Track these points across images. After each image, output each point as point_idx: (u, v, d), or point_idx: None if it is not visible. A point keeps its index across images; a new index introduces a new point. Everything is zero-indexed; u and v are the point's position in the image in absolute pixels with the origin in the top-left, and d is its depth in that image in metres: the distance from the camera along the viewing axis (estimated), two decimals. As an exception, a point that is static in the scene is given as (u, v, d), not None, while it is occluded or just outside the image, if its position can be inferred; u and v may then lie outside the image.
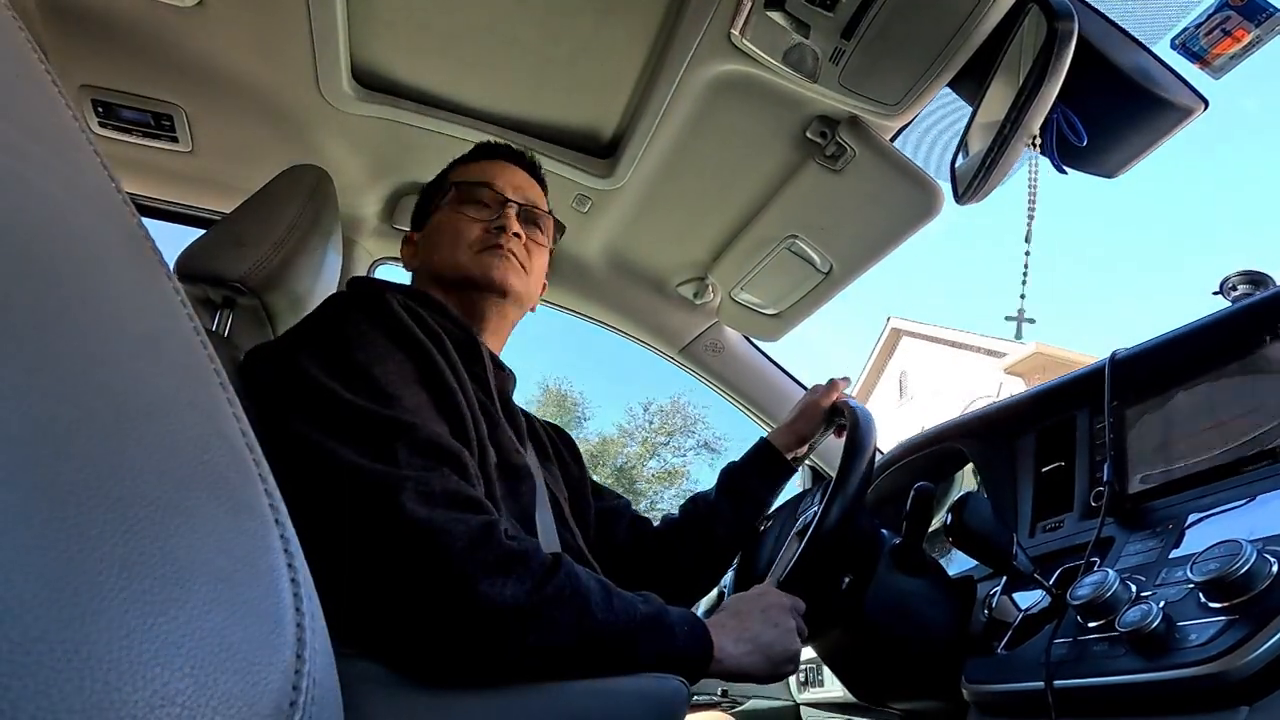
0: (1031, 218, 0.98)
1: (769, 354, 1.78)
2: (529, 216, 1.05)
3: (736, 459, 1.23)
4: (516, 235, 1.00)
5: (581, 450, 1.17)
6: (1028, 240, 0.98)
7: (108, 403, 0.24)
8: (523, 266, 1.01)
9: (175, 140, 1.36)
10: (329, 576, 0.72)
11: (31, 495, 0.21)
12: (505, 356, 1.04)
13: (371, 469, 0.69)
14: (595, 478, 1.18)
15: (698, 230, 1.53)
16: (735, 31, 1.08)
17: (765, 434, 1.24)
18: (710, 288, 1.66)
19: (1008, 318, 0.98)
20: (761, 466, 1.19)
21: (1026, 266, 0.98)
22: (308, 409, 0.73)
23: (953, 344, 11.95)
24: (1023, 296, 0.98)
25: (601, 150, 1.40)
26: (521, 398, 1.05)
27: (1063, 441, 1.04)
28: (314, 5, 1.09)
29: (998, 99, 1.04)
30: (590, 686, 0.74)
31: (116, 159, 1.38)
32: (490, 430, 0.85)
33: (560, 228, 1.14)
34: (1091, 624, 0.72)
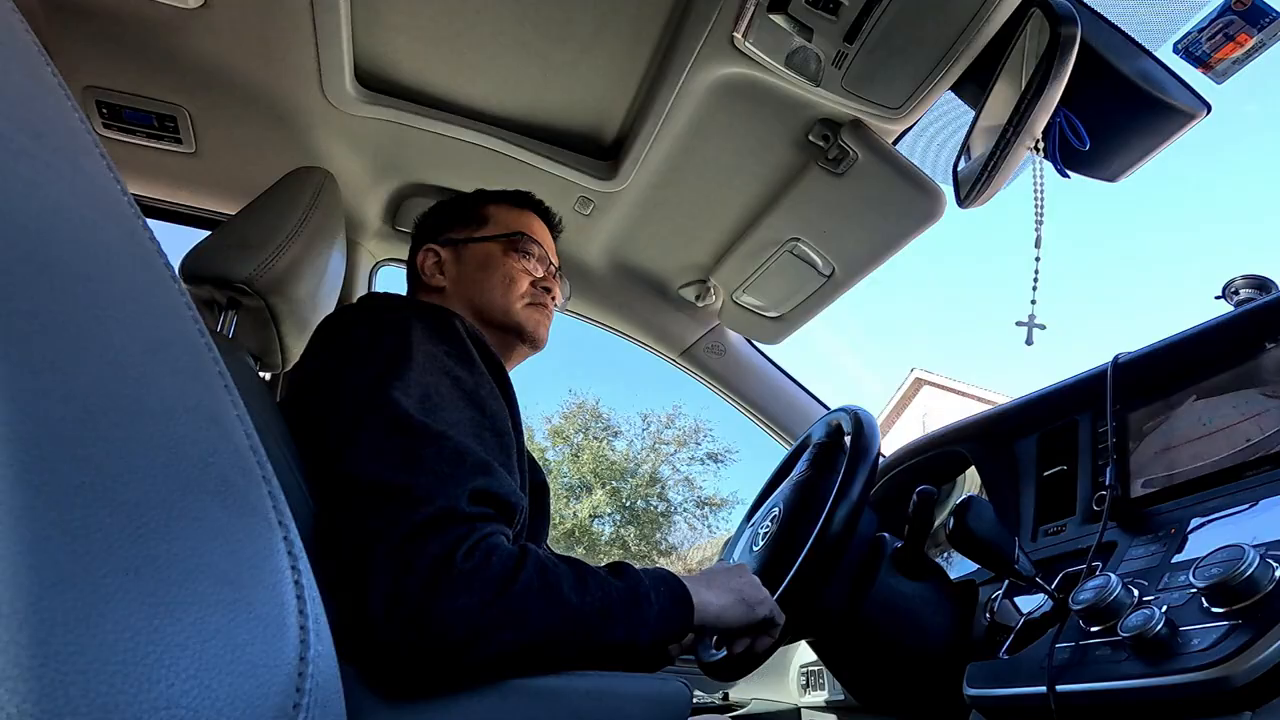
0: (1040, 223, 0.98)
1: (771, 357, 1.78)
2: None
3: None
4: (554, 299, 1.10)
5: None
6: (1037, 246, 0.98)
7: (113, 405, 0.24)
8: None
9: (179, 141, 1.36)
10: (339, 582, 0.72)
11: (39, 497, 0.21)
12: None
13: (392, 481, 0.69)
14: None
15: (700, 233, 1.54)
16: (738, 34, 1.08)
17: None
18: (712, 290, 1.66)
19: (1018, 323, 0.98)
20: None
21: (1037, 273, 0.97)
22: (373, 423, 0.74)
23: (968, 395, 13.21)
24: (1033, 302, 0.97)
25: (604, 153, 1.40)
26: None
27: (1065, 445, 1.04)
28: (318, 7, 1.09)
29: (1000, 103, 1.04)
30: (591, 689, 0.74)
31: (121, 160, 1.39)
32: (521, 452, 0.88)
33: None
34: (1094, 629, 0.72)
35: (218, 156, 1.40)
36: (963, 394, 13.45)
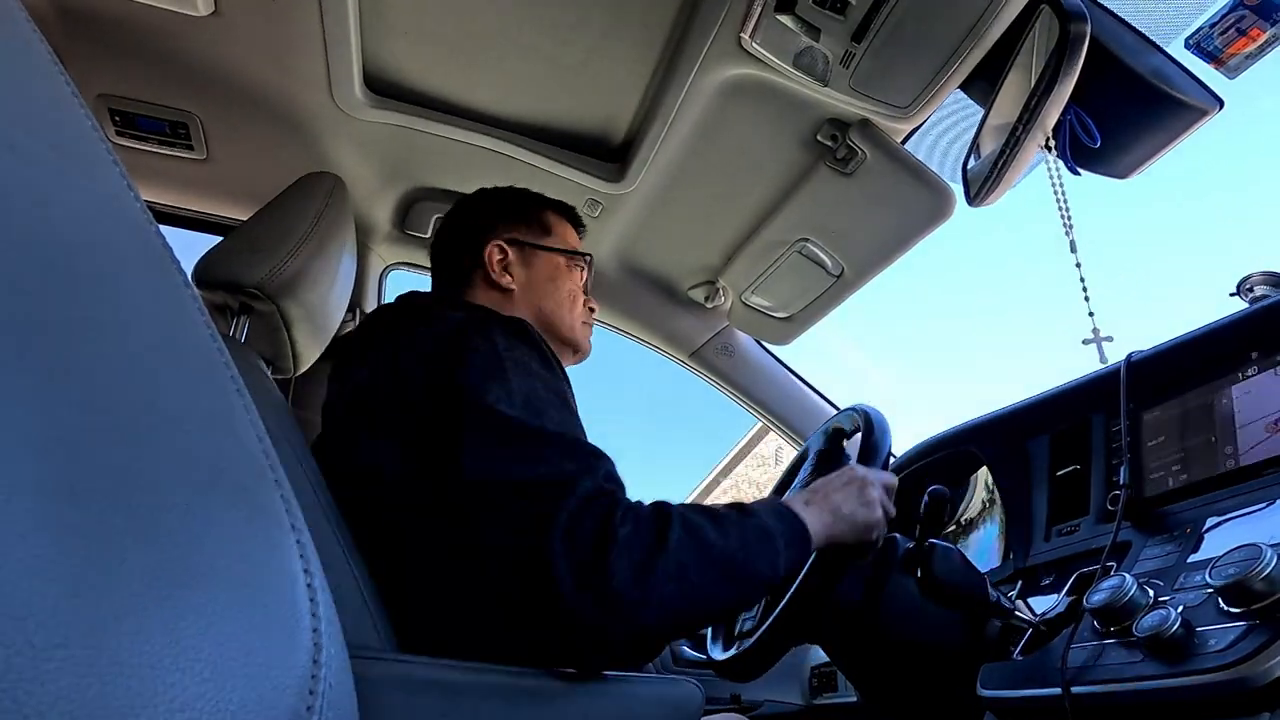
0: (1069, 227, 0.93)
1: (781, 358, 1.78)
2: None
3: None
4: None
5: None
6: (1074, 251, 0.93)
7: (127, 411, 0.24)
8: None
9: (190, 148, 1.37)
10: (430, 587, 0.77)
11: (53, 501, 0.21)
12: None
13: (536, 476, 0.73)
14: None
15: (708, 234, 1.53)
16: (745, 35, 1.08)
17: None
18: (721, 291, 1.65)
19: (1085, 341, 0.93)
20: None
21: (1083, 280, 0.92)
22: (484, 432, 0.77)
23: None
24: (1091, 314, 0.92)
25: (612, 155, 1.40)
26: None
27: (1077, 445, 1.03)
28: (327, 13, 1.10)
29: (1010, 101, 1.04)
30: (605, 688, 0.74)
31: (133, 167, 1.40)
32: None
33: None
34: (1109, 630, 0.71)
35: (229, 162, 1.41)
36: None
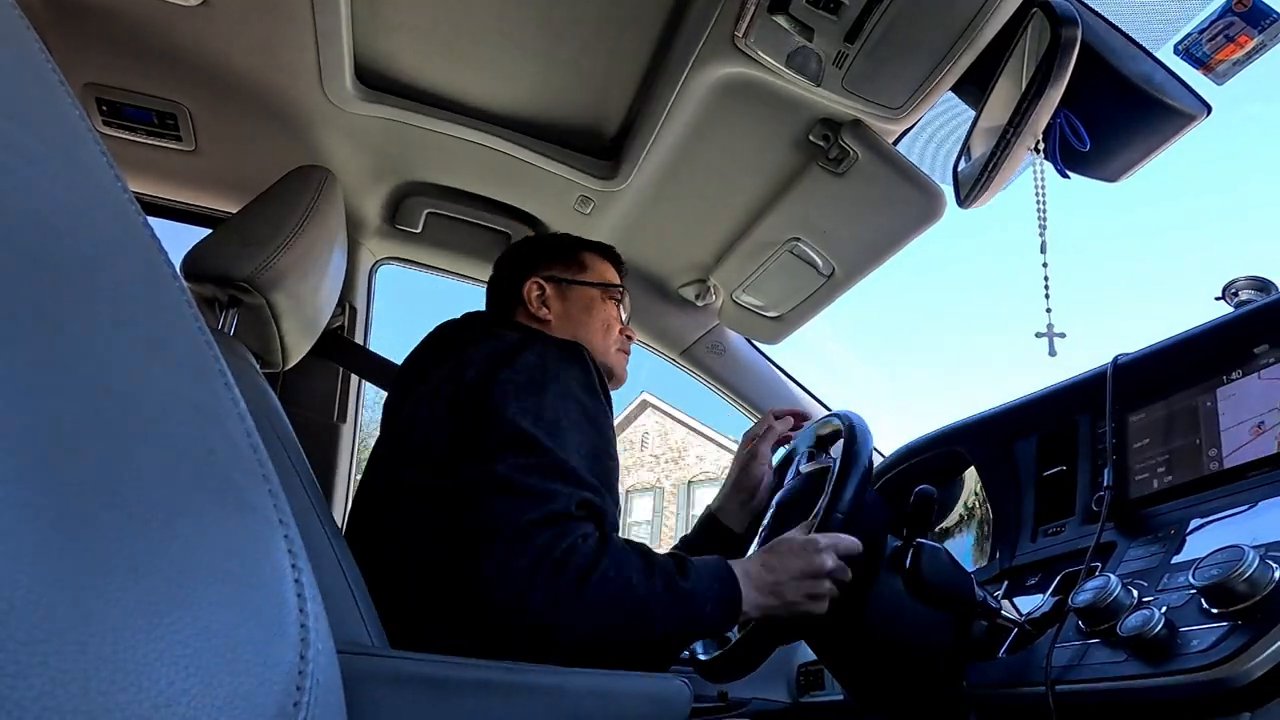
0: (1043, 227, 0.97)
1: (771, 357, 1.78)
2: None
3: (689, 532, 1.24)
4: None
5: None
6: (1043, 251, 0.97)
7: (114, 403, 0.24)
8: None
9: (179, 139, 1.36)
10: (413, 581, 0.84)
11: (38, 494, 0.21)
12: None
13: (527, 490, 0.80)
14: None
15: (700, 232, 1.53)
16: (739, 34, 1.08)
17: (710, 505, 1.25)
18: (712, 290, 1.65)
19: (1038, 334, 0.96)
20: (714, 545, 1.18)
21: (1047, 280, 0.96)
22: (502, 440, 0.84)
23: (686, 424, 15.32)
24: (1049, 310, 0.96)
25: (604, 152, 1.40)
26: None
27: (1065, 446, 1.04)
28: (318, 5, 1.09)
29: (1001, 103, 1.04)
30: (592, 687, 0.74)
31: (121, 158, 1.39)
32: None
33: None
34: (1093, 629, 0.72)
35: (218, 154, 1.40)
36: (682, 423, 15.29)
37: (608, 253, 1.24)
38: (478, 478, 0.82)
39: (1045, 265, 0.98)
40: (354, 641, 0.73)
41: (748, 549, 1.14)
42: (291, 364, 1.14)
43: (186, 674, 0.22)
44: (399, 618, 0.82)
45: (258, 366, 1.00)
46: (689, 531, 1.25)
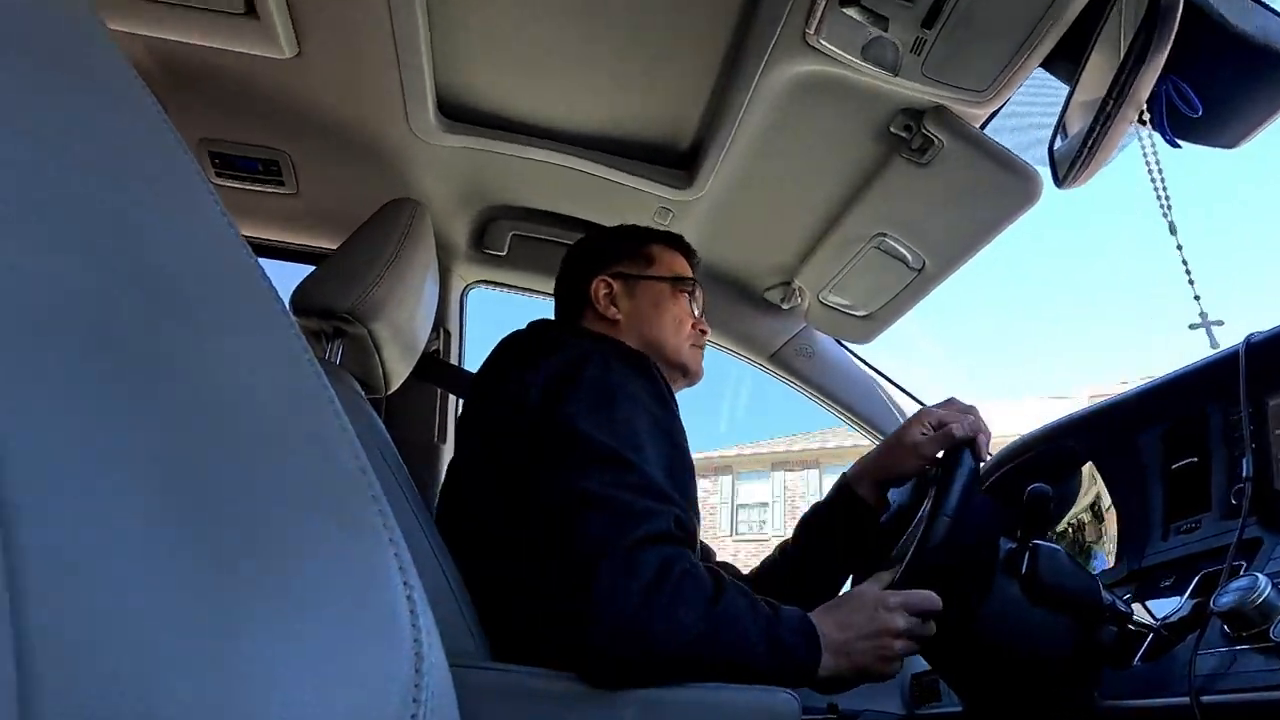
0: (1168, 206, 0.87)
1: (863, 356, 1.74)
2: None
3: (820, 499, 1.17)
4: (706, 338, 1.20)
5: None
6: (1173, 233, 0.87)
7: (237, 431, 0.26)
8: None
9: (282, 184, 1.45)
10: (516, 596, 0.83)
11: (171, 519, 0.22)
12: None
13: (609, 499, 0.78)
14: None
15: (781, 234, 1.51)
16: (810, 31, 1.06)
17: (846, 471, 1.16)
18: (797, 291, 1.63)
19: (1192, 326, 0.87)
20: (844, 515, 1.11)
21: (1186, 263, 0.86)
22: (580, 454, 0.82)
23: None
24: (1197, 298, 0.86)
25: (680, 161, 1.41)
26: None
27: (1193, 436, 0.96)
28: (401, 45, 1.14)
29: (1098, 75, 0.98)
30: (699, 699, 0.74)
31: (231, 204, 1.49)
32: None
33: None
34: (1240, 634, 0.66)
35: (317, 195, 1.49)
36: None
37: (676, 242, 1.20)
38: (565, 493, 0.80)
39: (1180, 248, 0.87)
40: (463, 653, 0.75)
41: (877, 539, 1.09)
42: (394, 389, 1.19)
43: (312, 687, 0.23)
44: (492, 631, 0.83)
45: (363, 393, 1.06)
46: (820, 500, 1.17)
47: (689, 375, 1.14)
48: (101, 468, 0.21)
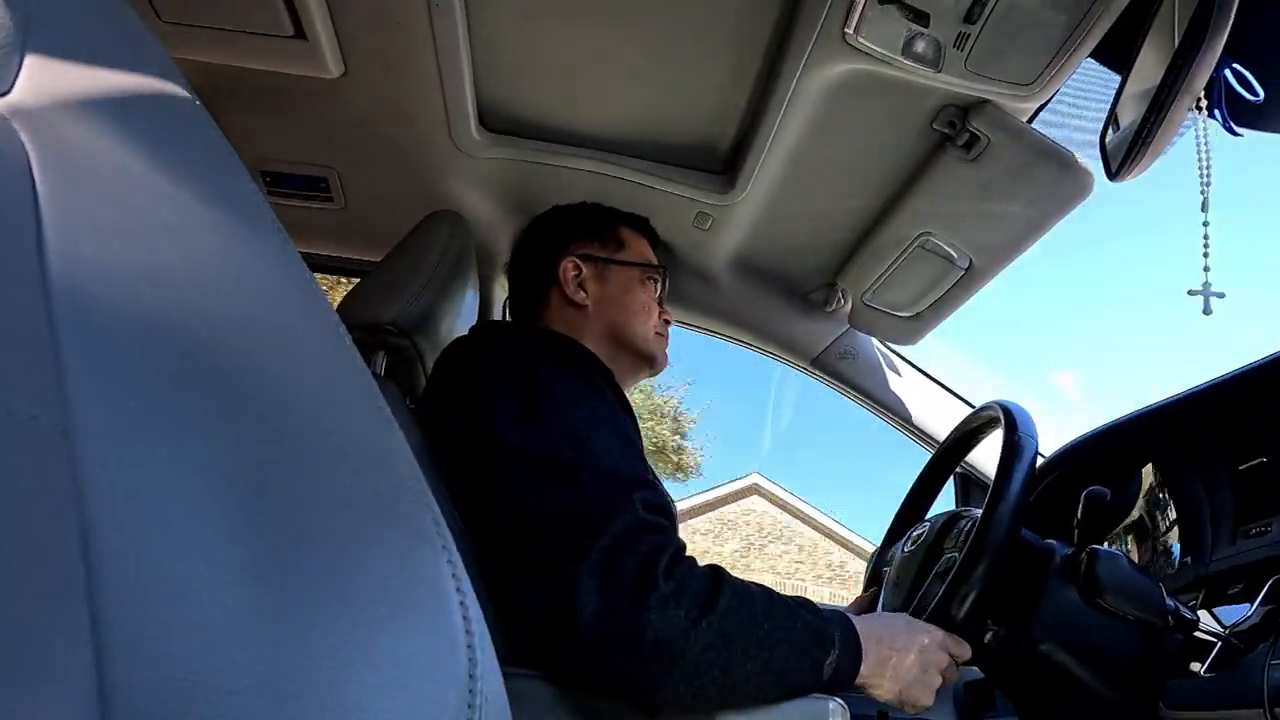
0: (1207, 185, 0.87)
1: (907, 358, 1.71)
2: None
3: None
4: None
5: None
6: (1204, 210, 0.87)
7: (300, 446, 0.27)
8: None
9: (330, 199, 1.49)
10: (506, 603, 0.76)
11: (241, 530, 0.23)
12: None
13: (577, 508, 0.72)
14: None
15: (823, 237, 1.50)
16: (849, 30, 1.05)
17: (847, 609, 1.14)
18: (840, 294, 1.61)
19: (1190, 292, 0.87)
20: None
21: (1207, 238, 0.87)
22: (523, 465, 0.77)
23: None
24: (1206, 269, 0.86)
25: (720, 166, 1.40)
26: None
27: (1263, 434, 0.93)
28: (443, 59, 1.17)
29: (1152, 63, 0.95)
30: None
31: (282, 221, 1.54)
32: None
33: None
34: (1319, 643, 0.63)
35: (362, 209, 1.52)
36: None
37: (643, 226, 1.17)
38: (521, 519, 0.73)
39: (1206, 225, 0.88)
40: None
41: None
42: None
43: (375, 689, 0.24)
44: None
45: (407, 403, 1.08)
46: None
47: (654, 365, 1.12)
48: (182, 479, 0.22)
